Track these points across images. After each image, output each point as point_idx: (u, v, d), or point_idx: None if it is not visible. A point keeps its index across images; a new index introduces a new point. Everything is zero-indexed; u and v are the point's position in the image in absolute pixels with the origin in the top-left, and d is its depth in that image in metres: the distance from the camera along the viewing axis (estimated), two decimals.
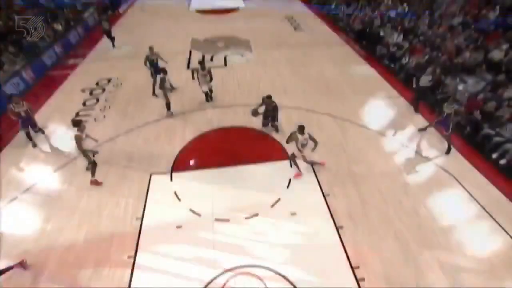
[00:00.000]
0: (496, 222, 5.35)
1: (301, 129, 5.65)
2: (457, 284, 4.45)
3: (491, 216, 5.46)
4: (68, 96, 9.55)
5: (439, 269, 4.63)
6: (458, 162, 6.72)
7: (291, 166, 6.41)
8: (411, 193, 5.91)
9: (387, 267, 4.65)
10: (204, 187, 6.06)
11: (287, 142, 6.02)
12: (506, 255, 4.85)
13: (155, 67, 8.93)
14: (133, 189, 6.06)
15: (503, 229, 5.24)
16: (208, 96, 8.56)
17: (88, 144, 5.93)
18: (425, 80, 8.02)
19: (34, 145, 7.29)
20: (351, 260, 4.75)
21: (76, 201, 5.83)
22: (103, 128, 7.88)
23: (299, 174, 6.21)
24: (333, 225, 5.29)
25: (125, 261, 4.77)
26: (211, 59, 11.79)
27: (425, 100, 8.40)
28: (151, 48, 8.90)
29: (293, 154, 6.15)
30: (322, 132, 7.55)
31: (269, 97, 7.04)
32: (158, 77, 7.97)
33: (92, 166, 5.98)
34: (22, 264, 4.64)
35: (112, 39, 12.69)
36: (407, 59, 10.26)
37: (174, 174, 6.42)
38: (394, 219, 5.40)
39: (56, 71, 11.27)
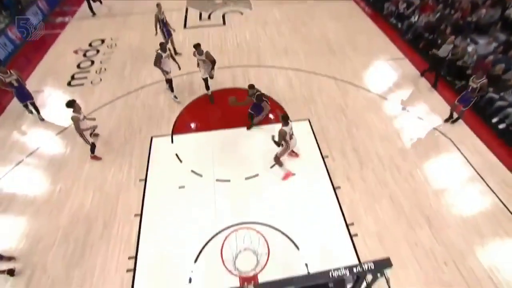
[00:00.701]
0: (488, 185, 5.54)
1: (285, 119, 4.97)
2: (442, 240, 4.78)
3: (483, 180, 5.63)
4: (60, 57, 9.23)
5: (428, 227, 4.93)
6: (458, 127, 6.73)
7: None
8: (409, 157, 6.04)
9: (379, 225, 4.94)
10: (204, 149, 6.16)
11: (280, 144, 5.15)
12: (492, 215, 5.11)
13: (166, 27, 8.21)
14: (135, 152, 6.17)
15: (493, 191, 5.44)
16: (207, 85, 7.23)
17: (87, 123, 5.68)
18: (446, 49, 7.17)
19: (34, 111, 7.04)
20: (346, 218, 5.02)
21: (80, 165, 5.97)
22: (101, 91, 7.76)
23: (289, 174, 5.58)
24: (331, 185, 5.47)
25: (132, 220, 5.06)
26: (209, 17, 11.16)
27: (440, 71, 7.67)
28: (158, 5, 7.99)
29: (276, 156, 5.40)
30: (322, 94, 7.46)
31: (250, 86, 5.99)
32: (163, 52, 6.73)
33: (91, 147, 5.83)
34: (10, 261, 4.53)
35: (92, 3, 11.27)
36: (416, 17, 9.71)
37: (174, 137, 6.48)
38: (390, 182, 5.59)
39: (45, 31, 10.74)
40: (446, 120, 6.79)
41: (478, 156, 6.07)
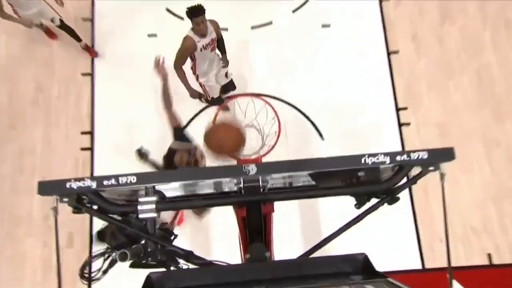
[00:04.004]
0: None
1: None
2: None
3: None
4: None
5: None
6: None
7: None
8: None
9: (447, 113, 4.60)
10: None
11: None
12: None
13: None
14: None
15: None
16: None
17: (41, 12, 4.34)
18: None
19: None
20: (397, 98, 4.75)
21: None
22: None
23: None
24: (384, 47, 4.93)
25: (79, 81, 4.76)
26: None
27: None
28: None
29: None
30: None
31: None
32: None
33: (69, 32, 4.67)
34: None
35: None
36: None
37: None
38: (486, 47, 4.85)
39: None
40: None
41: None
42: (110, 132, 4.58)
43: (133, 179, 1.38)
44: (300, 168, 1.50)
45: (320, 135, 4.54)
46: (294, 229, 4.12)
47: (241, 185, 1.61)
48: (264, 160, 4.01)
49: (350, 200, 1.63)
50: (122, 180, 1.37)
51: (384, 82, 4.81)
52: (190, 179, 1.52)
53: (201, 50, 3.53)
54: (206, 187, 1.78)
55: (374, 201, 1.57)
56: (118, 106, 4.68)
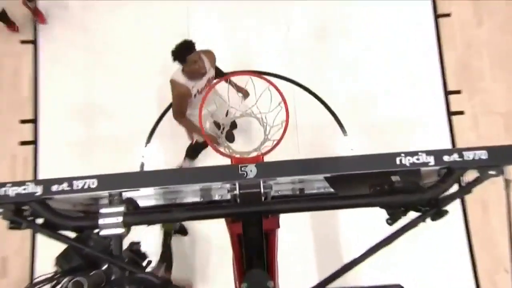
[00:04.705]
0: None
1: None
2: None
3: None
4: None
5: None
6: None
7: None
8: None
9: None
10: None
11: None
12: None
13: None
14: None
15: None
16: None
17: None
18: None
19: None
20: (447, 78, 4.78)
21: None
22: None
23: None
24: (432, 10, 5.02)
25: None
26: None
27: None
28: None
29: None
30: None
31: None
32: None
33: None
34: None
35: None
36: None
37: None
38: None
39: None
40: None
41: None
42: (60, 121, 4.67)
43: (93, 183, 1.39)
44: (314, 170, 1.53)
45: (342, 127, 4.62)
46: (306, 250, 4.17)
47: (236, 192, 1.61)
48: (266, 159, 4.08)
49: (381, 213, 1.59)
50: (78, 184, 1.38)
51: (430, 57, 4.89)
52: (168, 184, 1.53)
53: (195, 96, 3.62)
54: (190, 194, 1.80)
55: (413, 215, 1.54)
56: (71, 87, 4.72)
